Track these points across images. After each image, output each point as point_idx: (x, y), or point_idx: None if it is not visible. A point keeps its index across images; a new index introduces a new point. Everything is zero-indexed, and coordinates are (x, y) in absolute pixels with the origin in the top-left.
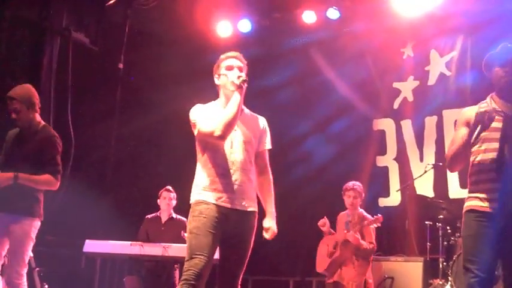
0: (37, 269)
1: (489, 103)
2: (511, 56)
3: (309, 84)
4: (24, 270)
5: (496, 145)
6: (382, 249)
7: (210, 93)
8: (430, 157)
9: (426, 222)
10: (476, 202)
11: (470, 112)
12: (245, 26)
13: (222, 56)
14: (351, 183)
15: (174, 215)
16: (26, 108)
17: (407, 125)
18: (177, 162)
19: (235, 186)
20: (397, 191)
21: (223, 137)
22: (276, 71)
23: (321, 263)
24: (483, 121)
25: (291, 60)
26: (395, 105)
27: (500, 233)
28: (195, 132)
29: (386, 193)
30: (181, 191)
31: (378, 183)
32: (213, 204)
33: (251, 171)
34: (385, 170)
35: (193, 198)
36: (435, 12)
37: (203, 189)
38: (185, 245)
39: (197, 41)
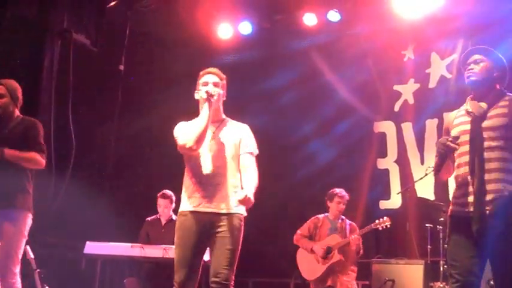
0: (38, 270)
1: (466, 105)
2: (464, 55)
3: (310, 86)
4: (18, 268)
5: (467, 158)
6: (382, 252)
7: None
8: (430, 160)
9: (427, 225)
10: (454, 207)
11: (448, 118)
12: (246, 28)
13: (201, 73)
14: (343, 191)
15: (174, 217)
16: (10, 97)
17: (408, 128)
18: (177, 163)
19: (213, 192)
20: (398, 193)
21: (194, 149)
22: (276, 73)
23: (311, 271)
24: (442, 152)
25: (292, 62)
26: (396, 108)
27: (477, 237)
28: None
29: (387, 196)
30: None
31: (379, 185)
32: (191, 212)
33: (231, 175)
34: (385, 173)
35: (180, 208)
36: (436, 14)
37: (184, 199)
38: None
39: (198, 43)
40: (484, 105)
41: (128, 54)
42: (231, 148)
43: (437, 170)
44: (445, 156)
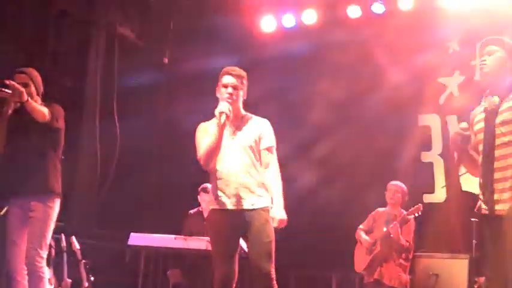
0: (83, 261)
1: (483, 101)
2: (480, 46)
3: (357, 78)
4: (45, 254)
5: (481, 159)
6: (427, 246)
7: (254, 87)
8: None
9: (472, 219)
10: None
11: (471, 116)
12: (289, 21)
13: (222, 71)
14: (393, 182)
15: None
16: (34, 86)
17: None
18: None
19: (239, 189)
20: (442, 187)
21: (205, 166)
22: (322, 66)
23: (360, 262)
24: (456, 149)
25: (337, 55)
26: (441, 101)
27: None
28: None
29: (431, 189)
30: None
31: (423, 179)
32: (221, 210)
33: (255, 172)
34: (430, 166)
35: (210, 206)
36: (482, 5)
37: (213, 198)
38: None
39: (242, 35)
40: (496, 99)
41: (172, 47)
42: (252, 145)
43: (458, 165)
44: (460, 151)
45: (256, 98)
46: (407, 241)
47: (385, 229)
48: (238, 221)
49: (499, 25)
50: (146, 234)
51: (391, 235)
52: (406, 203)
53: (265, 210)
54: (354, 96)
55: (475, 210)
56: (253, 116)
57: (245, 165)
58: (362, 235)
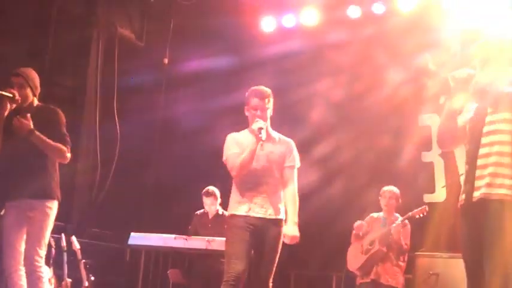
0: (83, 261)
1: None
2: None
3: (357, 78)
4: (44, 253)
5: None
6: (427, 246)
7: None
8: None
9: None
10: None
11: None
12: (290, 21)
13: (248, 93)
14: (387, 187)
15: (220, 211)
16: (29, 87)
17: (431, 119)
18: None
19: (262, 199)
20: (443, 187)
21: (237, 176)
22: (322, 65)
23: (353, 261)
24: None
25: (337, 55)
26: (441, 100)
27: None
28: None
29: (431, 189)
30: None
31: (423, 179)
32: (243, 215)
33: (277, 185)
34: (430, 166)
35: (229, 211)
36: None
37: (236, 203)
38: None
39: (241, 35)
40: None
41: (172, 47)
42: (277, 161)
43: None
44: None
45: None
46: (406, 244)
47: (393, 225)
48: (254, 229)
49: (499, 25)
50: (146, 234)
51: (392, 235)
52: (400, 207)
53: (280, 222)
54: (354, 97)
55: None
56: (278, 133)
57: (268, 177)
58: (356, 238)
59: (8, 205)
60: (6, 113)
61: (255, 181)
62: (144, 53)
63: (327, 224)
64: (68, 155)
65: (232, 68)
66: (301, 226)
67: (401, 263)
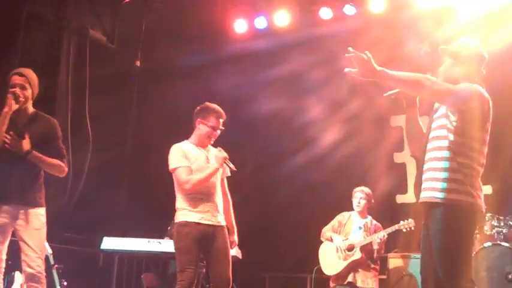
0: (56, 266)
1: None
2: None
3: (325, 76)
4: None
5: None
6: (400, 247)
7: (225, 85)
8: None
9: None
10: None
11: None
12: (261, 23)
13: (214, 109)
14: (360, 188)
15: None
16: (31, 89)
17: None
18: None
19: (212, 207)
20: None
21: (189, 190)
22: (293, 61)
23: (331, 266)
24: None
25: (307, 50)
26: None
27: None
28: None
29: (404, 190)
30: None
31: (396, 180)
32: (195, 223)
33: (219, 194)
34: (402, 167)
35: (178, 219)
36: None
37: (187, 211)
38: None
39: (214, 37)
40: None
41: (144, 50)
42: (220, 171)
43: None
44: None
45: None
46: (382, 249)
47: (366, 237)
48: (205, 235)
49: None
50: (119, 238)
51: (377, 246)
52: (372, 207)
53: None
54: (325, 98)
55: None
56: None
57: (215, 188)
58: (334, 236)
59: None
60: (11, 112)
61: (205, 191)
62: (116, 55)
63: (299, 226)
64: (66, 169)
65: (204, 68)
66: (275, 229)
67: (375, 266)
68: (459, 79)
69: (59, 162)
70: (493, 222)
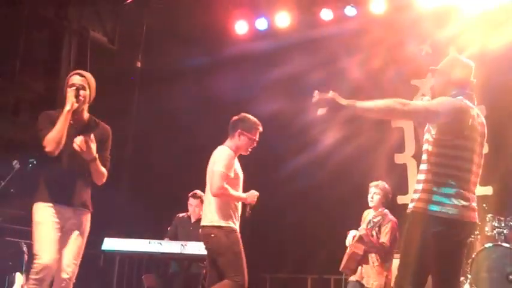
0: None
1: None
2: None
3: (325, 78)
4: None
5: None
6: (400, 246)
7: (225, 86)
8: None
9: None
10: None
11: None
12: (262, 24)
13: (255, 122)
14: (375, 182)
15: None
16: (89, 92)
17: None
18: (197, 159)
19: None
20: None
21: (217, 196)
22: (292, 63)
23: (342, 261)
24: None
25: (307, 51)
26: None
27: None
28: None
29: (404, 190)
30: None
31: (397, 180)
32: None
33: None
34: (403, 168)
35: (225, 223)
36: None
37: (234, 218)
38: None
39: (214, 37)
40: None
41: (145, 51)
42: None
43: None
44: None
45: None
46: (383, 242)
47: (357, 231)
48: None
49: (470, 27)
50: (120, 239)
51: (363, 238)
52: (388, 202)
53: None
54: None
55: None
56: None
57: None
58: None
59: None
60: (72, 110)
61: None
62: (117, 57)
63: (300, 226)
64: (105, 179)
65: (205, 69)
66: (276, 230)
67: (382, 263)
68: (449, 94)
69: (105, 171)
70: (493, 223)
